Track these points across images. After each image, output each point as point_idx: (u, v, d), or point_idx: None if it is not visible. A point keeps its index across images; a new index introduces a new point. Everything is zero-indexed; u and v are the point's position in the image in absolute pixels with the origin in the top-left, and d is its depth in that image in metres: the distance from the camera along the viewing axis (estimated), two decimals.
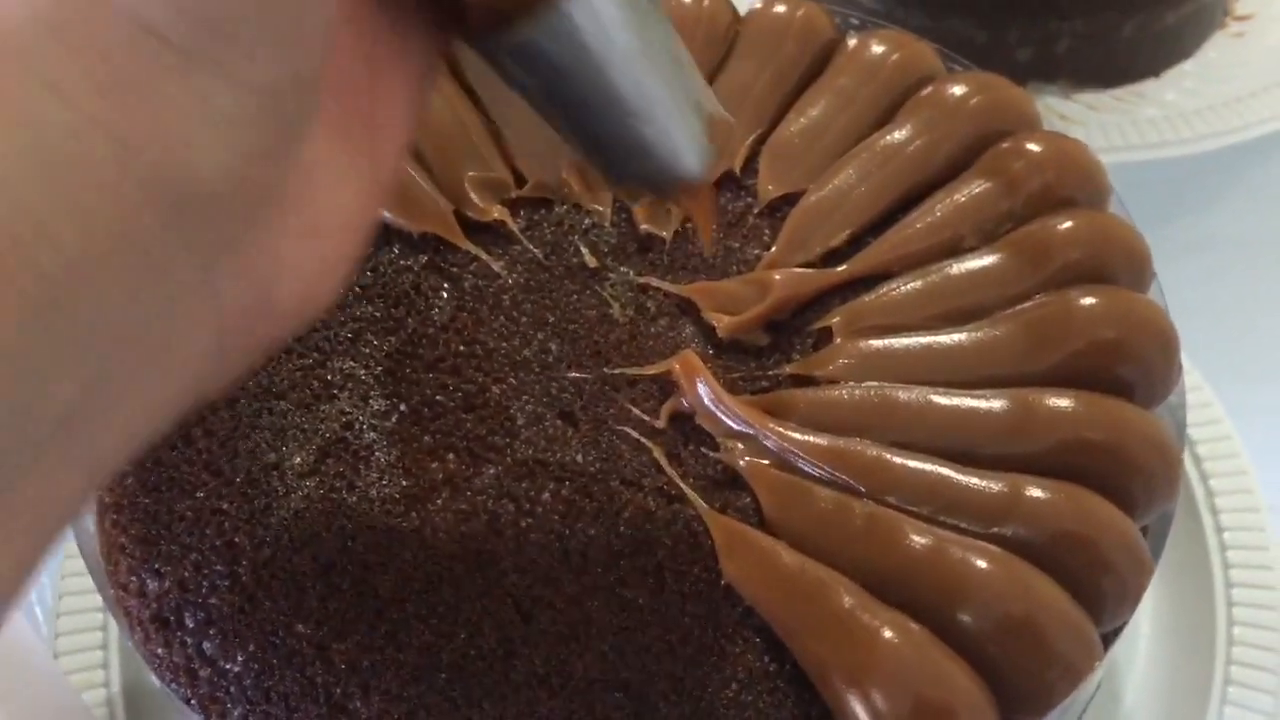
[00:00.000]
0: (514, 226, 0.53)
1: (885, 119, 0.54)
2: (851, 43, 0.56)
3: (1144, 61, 0.79)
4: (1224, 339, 0.72)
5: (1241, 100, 0.76)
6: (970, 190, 0.49)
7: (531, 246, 0.52)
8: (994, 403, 0.43)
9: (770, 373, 0.48)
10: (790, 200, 0.53)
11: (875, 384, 0.45)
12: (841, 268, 0.50)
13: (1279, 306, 0.76)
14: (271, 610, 0.42)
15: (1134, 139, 0.75)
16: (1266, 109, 0.76)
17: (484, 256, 0.52)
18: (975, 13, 0.74)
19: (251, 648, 0.41)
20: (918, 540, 0.40)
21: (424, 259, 0.52)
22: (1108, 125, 0.76)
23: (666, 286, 0.51)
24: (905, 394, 0.44)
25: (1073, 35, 0.75)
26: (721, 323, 0.49)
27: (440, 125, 0.54)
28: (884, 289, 0.48)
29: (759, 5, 0.58)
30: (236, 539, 0.44)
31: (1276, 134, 0.77)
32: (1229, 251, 0.79)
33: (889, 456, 0.42)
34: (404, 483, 0.45)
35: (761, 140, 0.55)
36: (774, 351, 0.49)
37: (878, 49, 0.55)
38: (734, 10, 0.59)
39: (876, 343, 0.47)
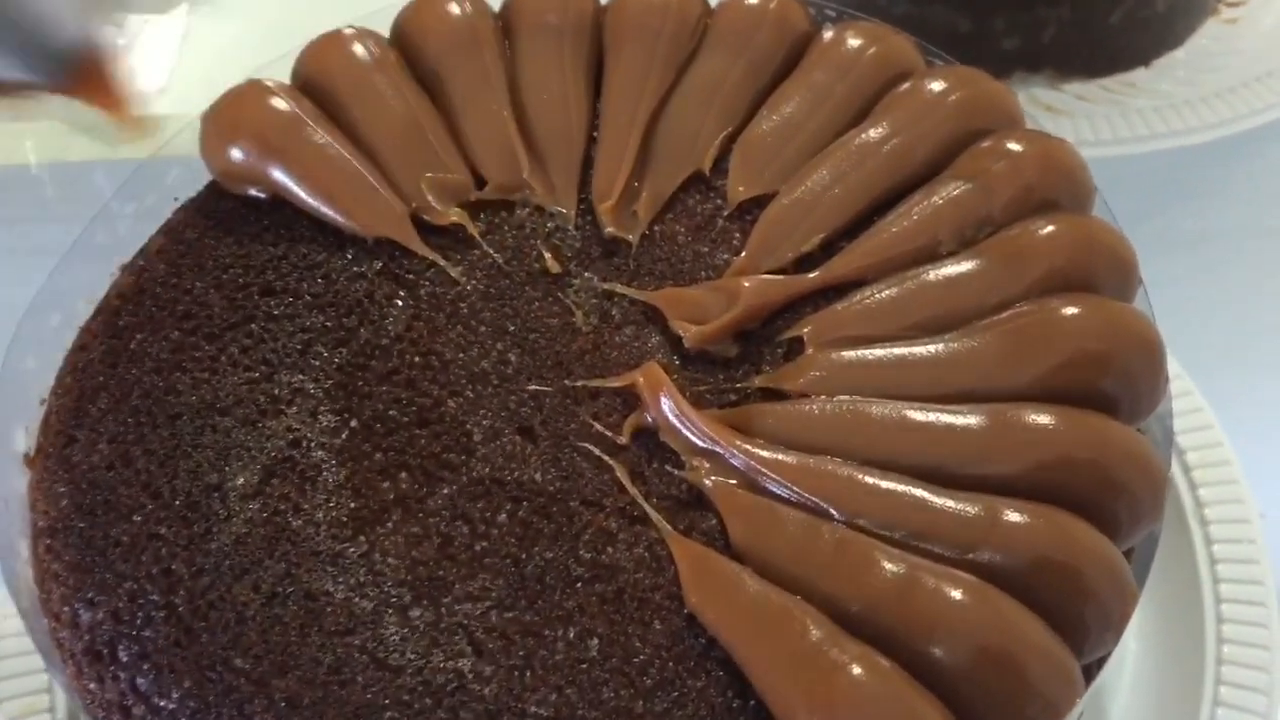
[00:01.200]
0: (473, 230, 0.50)
1: (861, 116, 0.51)
2: (827, 36, 0.54)
3: (1133, 50, 0.77)
4: (1215, 334, 0.70)
5: (1235, 90, 0.74)
6: (948, 192, 0.47)
7: (491, 251, 0.50)
8: (971, 419, 0.41)
9: (739, 385, 0.46)
10: (761, 202, 0.50)
11: (847, 398, 0.43)
12: (813, 274, 0.47)
13: (1273, 301, 0.74)
14: (209, 643, 0.40)
15: (1124, 132, 0.73)
16: (1260, 98, 0.74)
17: (441, 262, 0.50)
18: (959, 0, 0.72)
19: (188, 684, 0.39)
20: (889, 568, 0.38)
21: (378, 265, 0.50)
22: (1096, 116, 0.74)
23: (631, 293, 0.48)
24: (879, 409, 0.42)
25: (1059, 23, 0.73)
26: (689, 332, 0.46)
27: (396, 123, 0.52)
28: (857, 296, 0.46)
29: None
30: (174, 566, 0.42)
31: (1272, 124, 0.75)
32: (1221, 246, 0.77)
33: (861, 476, 0.40)
34: (353, 504, 0.43)
35: (732, 138, 0.53)
36: (743, 362, 0.47)
37: (854, 42, 0.53)
38: (705, 1, 0.56)
39: (849, 354, 0.44)
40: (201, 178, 0.53)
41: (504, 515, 0.43)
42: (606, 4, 0.56)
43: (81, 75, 0.67)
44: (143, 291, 0.50)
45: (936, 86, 0.50)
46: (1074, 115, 0.74)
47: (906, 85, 0.51)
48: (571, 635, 0.40)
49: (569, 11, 0.55)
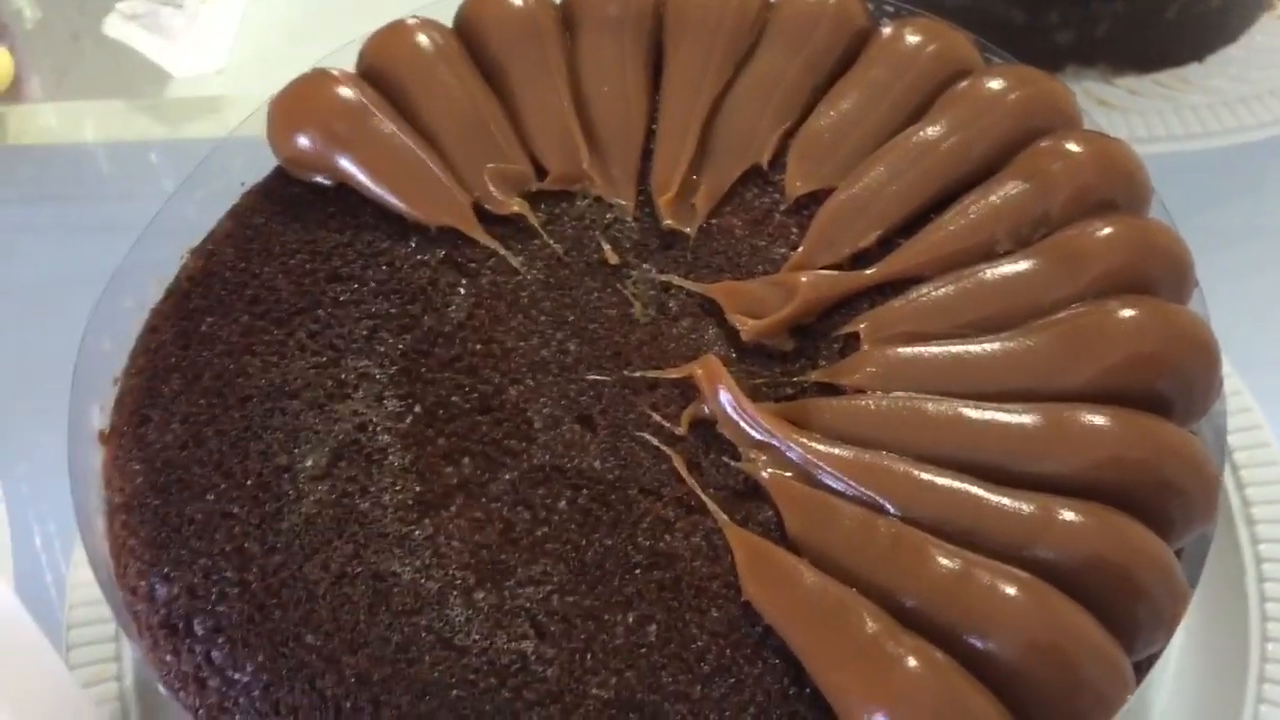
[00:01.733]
0: (534, 220, 0.51)
1: (919, 113, 0.52)
2: (885, 32, 0.54)
3: (1187, 45, 0.77)
4: (1267, 332, 0.70)
5: None
6: (1005, 191, 0.48)
7: (552, 241, 0.51)
8: (1026, 418, 0.42)
9: (795, 379, 0.47)
10: (818, 198, 0.51)
11: (903, 394, 0.44)
12: (870, 270, 0.48)
13: None
14: (281, 620, 0.41)
15: (1176, 128, 0.73)
16: None
17: (502, 251, 0.51)
18: None
19: (261, 658, 0.41)
20: (944, 563, 0.38)
21: (441, 253, 0.51)
22: (1149, 112, 0.74)
23: (690, 285, 0.49)
24: (934, 406, 0.43)
25: (1114, 17, 0.73)
26: (745, 326, 0.47)
27: (459, 113, 0.53)
28: (914, 294, 0.47)
29: None
30: (246, 544, 0.43)
31: None
32: (1272, 242, 0.77)
33: (916, 472, 0.41)
34: (417, 488, 0.44)
35: (790, 133, 0.53)
36: (799, 357, 0.47)
37: (913, 39, 0.53)
38: None
39: (905, 350, 0.45)
40: (266, 163, 0.55)
41: (564, 502, 0.44)
42: None
43: None
44: (212, 275, 0.51)
45: (995, 85, 0.51)
46: (1127, 111, 0.74)
47: (965, 83, 0.52)
48: (631, 620, 0.41)
49: (630, 4, 0.56)
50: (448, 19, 0.57)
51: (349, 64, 0.56)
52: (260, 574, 0.42)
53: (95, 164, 0.88)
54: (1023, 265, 0.46)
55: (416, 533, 0.43)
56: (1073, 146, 0.48)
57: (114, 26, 0.88)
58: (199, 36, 0.85)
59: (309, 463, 0.45)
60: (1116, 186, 0.48)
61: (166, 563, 0.43)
